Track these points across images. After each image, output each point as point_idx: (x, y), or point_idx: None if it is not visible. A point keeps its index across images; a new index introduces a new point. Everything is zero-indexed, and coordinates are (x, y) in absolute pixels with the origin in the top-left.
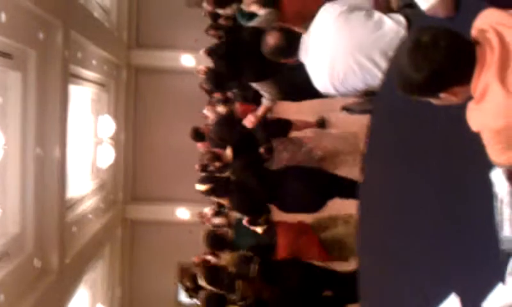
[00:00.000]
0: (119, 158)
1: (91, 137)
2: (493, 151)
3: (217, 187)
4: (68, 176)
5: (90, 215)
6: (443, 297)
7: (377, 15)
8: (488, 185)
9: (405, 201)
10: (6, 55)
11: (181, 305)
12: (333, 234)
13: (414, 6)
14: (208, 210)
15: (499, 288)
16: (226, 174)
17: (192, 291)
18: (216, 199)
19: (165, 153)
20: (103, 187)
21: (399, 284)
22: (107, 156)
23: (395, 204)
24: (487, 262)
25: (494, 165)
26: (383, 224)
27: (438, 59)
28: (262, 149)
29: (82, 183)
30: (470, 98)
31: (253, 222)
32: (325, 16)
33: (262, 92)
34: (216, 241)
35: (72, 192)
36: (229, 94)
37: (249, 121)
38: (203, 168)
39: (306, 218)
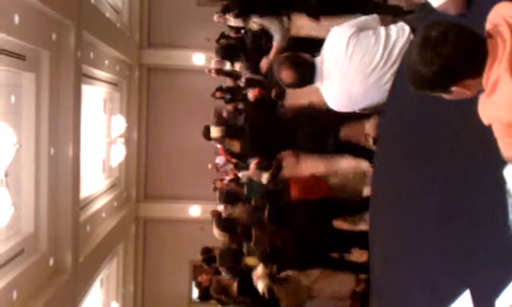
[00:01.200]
0: (132, 157)
1: (104, 137)
2: (504, 145)
3: (231, 129)
4: (81, 175)
5: (104, 214)
6: (456, 294)
7: (383, 30)
8: (500, 182)
9: (416, 197)
10: (20, 56)
11: (194, 303)
12: (341, 180)
13: (414, 12)
14: (221, 208)
15: None
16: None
17: (206, 262)
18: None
19: (177, 151)
20: (116, 185)
21: (410, 281)
22: (119, 155)
23: (405, 201)
24: (500, 259)
25: (507, 162)
26: (394, 220)
27: (447, 53)
28: (274, 93)
29: (96, 182)
30: (481, 91)
31: (261, 166)
32: (335, 41)
33: (272, 31)
34: (230, 196)
35: (85, 191)
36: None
37: (263, 64)
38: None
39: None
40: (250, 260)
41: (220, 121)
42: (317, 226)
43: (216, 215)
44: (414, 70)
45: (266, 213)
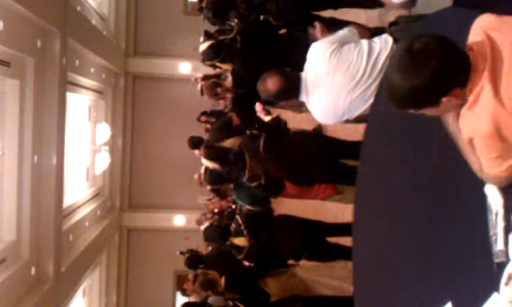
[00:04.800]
0: (116, 165)
1: (88, 145)
2: (486, 162)
3: (221, 45)
4: (65, 183)
5: (87, 223)
6: (438, 305)
7: (366, 43)
8: (482, 198)
9: (399, 211)
10: (4, 63)
11: None
12: None
13: (397, 23)
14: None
15: (494, 297)
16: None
17: (190, 262)
18: (216, 67)
19: (162, 160)
20: (100, 194)
21: (394, 295)
22: (104, 163)
23: (389, 214)
24: (482, 273)
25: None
26: (378, 233)
27: (435, 63)
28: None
29: (79, 191)
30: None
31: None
32: (317, 57)
33: None
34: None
35: (68, 199)
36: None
37: None
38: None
39: None
40: (237, 241)
41: (209, 35)
42: (321, 157)
43: (205, 145)
44: (400, 86)
45: (262, 142)
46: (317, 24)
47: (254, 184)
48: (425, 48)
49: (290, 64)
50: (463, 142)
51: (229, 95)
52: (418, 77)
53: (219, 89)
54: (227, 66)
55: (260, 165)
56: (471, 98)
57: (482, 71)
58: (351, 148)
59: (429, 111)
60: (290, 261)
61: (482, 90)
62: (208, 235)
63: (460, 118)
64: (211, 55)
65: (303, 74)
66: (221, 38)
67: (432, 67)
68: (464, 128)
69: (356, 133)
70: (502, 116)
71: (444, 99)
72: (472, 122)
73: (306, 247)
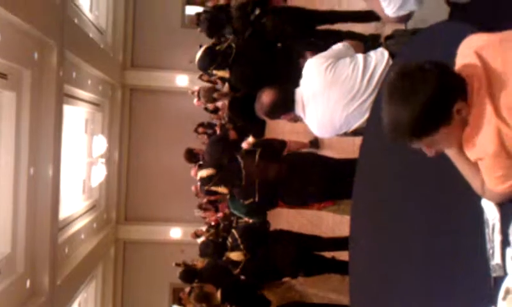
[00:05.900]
0: (112, 178)
1: (85, 157)
2: (491, 180)
3: (217, 52)
4: (61, 196)
5: (83, 235)
6: None
7: (361, 57)
8: (479, 211)
9: (395, 225)
10: (1, 75)
11: None
12: None
13: (394, 37)
14: (202, 228)
15: None
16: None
17: (185, 275)
18: (212, 76)
19: (158, 173)
20: (96, 207)
21: None
22: (100, 176)
23: (385, 228)
24: (479, 287)
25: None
26: (374, 248)
27: (430, 75)
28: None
29: (75, 203)
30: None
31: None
32: (313, 72)
33: None
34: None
35: (64, 212)
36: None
37: None
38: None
39: None
40: (234, 255)
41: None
42: (315, 179)
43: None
44: (404, 113)
45: (258, 154)
46: (308, 54)
47: (247, 201)
48: (417, 68)
49: (288, 76)
50: (462, 164)
51: (226, 101)
52: (419, 94)
53: (216, 94)
54: (223, 73)
55: (255, 171)
56: (472, 120)
57: (478, 92)
58: (346, 167)
59: (440, 137)
60: (286, 279)
61: (483, 110)
62: (204, 251)
63: (464, 141)
64: (207, 61)
65: (299, 89)
66: (217, 46)
67: (431, 79)
68: (470, 150)
69: (352, 146)
70: (506, 133)
71: (455, 109)
72: (478, 143)
73: (301, 264)
